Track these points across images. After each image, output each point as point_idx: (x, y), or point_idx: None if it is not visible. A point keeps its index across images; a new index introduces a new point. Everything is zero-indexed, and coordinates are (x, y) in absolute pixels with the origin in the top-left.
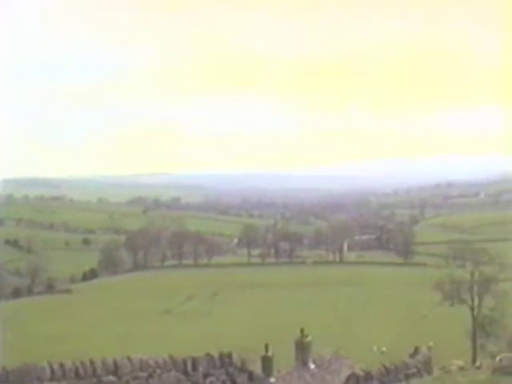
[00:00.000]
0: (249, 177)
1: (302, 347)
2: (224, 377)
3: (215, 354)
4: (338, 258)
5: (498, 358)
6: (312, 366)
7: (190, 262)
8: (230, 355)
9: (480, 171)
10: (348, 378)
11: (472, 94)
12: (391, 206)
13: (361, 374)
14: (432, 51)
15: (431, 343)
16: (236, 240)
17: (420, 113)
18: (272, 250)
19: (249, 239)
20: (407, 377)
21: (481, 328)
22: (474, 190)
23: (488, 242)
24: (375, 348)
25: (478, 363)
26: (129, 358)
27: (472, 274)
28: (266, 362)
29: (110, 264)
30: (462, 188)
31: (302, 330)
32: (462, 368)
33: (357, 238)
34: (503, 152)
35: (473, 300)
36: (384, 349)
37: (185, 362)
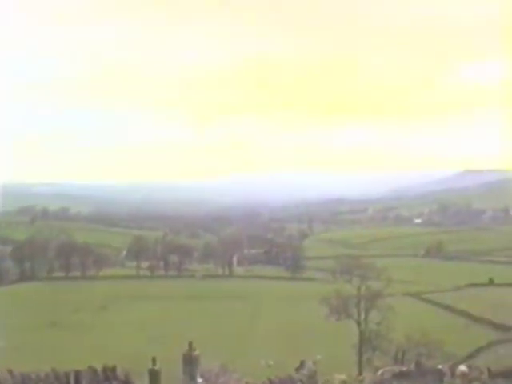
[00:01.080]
0: (138, 188)
1: (190, 361)
2: None
3: (99, 368)
4: (227, 272)
5: (379, 372)
6: (200, 380)
7: (78, 273)
8: (113, 369)
9: (369, 187)
10: None
11: (357, 108)
12: (281, 220)
13: None
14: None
15: (319, 357)
16: (125, 252)
17: (311, 126)
18: (161, 263)
19: (138, 251)
20: None
21: (367, 342)
22: (362, 205)
23: (375, 258)
24: (263, 362)
25: (361, 377)
26: (10, 372)
27: (359, 288)
28: (153, 376)
29: None
30: (350, 204)
31: (189, 344)
32: (344, 382)
33: (246, 251)
34: (392, 168)
35: (359, 314)
36: (271, 362)
37: (67, 376)
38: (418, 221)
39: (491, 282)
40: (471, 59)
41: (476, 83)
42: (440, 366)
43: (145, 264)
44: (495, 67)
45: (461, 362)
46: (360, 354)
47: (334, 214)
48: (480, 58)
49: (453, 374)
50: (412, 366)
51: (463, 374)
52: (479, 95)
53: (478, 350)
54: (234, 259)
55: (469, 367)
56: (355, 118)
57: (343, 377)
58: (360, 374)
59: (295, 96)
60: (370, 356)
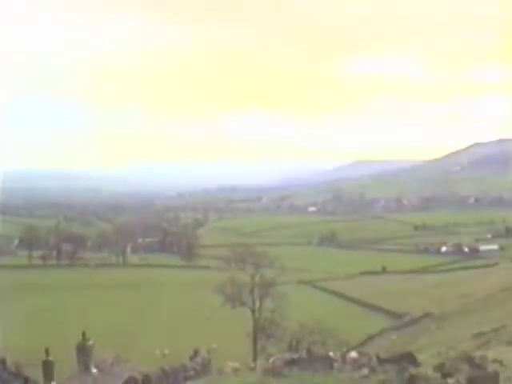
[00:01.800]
0: (30, 175)
1: (84, 351)
2: None
3: None
4: (121, 261)
5: (271, 359)
6: (94, 370)
7: None
8: (3, 360)
9: (263, 176)
10: (126, 382)
11: (254, 99)
12: (175, 209)
13: (139, 377)
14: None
15: (214, 345)
16: (16, 241)
17: (206, 116)
18: (54, 252)
19: (30, 240)
20: (186, 379)
21: (262, 330)
22: (256, 194)
23: (269, 246)
24: (158, 351)
25: (253, 365)
26: None
27: (253, 277)
28: (47, 367)
29: None
30: (245, 192)
31: (83, 334)
32: (236, 369)
33: (140, 240)
34: (286, 157)
35: (254, 303)
36: (167, 351)
37: None
38: (312, 209)
39: (384, 270)
40: (365, 54)
41: (367, 77)
42: (331, 353)
43: (37, 253)
44: (387, 61)
45: (354, 349)
46: (254, 342)
47: (228, 203)
48: (372, 52)
49: (344, 361)
50: (303, 353)
51: (353, 361)
52: (370, 89)
53: (371, 337)
54: (128, 248)
55: (359, 354)
56: (252, 108)
57: (236, 364)
58: (254, 361)
59: (193, 87)
60: (265, 344)
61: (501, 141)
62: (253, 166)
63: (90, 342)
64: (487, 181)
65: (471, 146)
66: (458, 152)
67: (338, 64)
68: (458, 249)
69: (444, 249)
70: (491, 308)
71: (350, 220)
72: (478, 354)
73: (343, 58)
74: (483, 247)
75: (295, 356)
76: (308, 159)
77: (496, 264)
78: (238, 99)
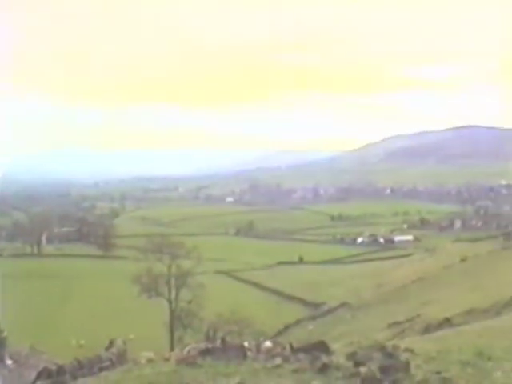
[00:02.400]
0: None
1: None
2: None
3: None
4: (36, 251)
5: (186, 349)
6: (9, 362)
7: None
8: None
9: (181, 166)
10: (39, 373)
11: (168, 88)
12: (92, 199)
13: (53, 368)
14: None
15: (131, 336)
16: None
17: (114, 107)
18: None
19: None
20: (101, 369)
21: (178, 320)
22: (173, 184)
23: (185, 236)
24: (74, 341)
25: (167, 355)
26: None
27: (169, 267)
28: None
29: None
30: (162, 182)
31: None
32: (150, 360)
33: (56, 230)
34: (204, 147)
35: (170, 293)
36: (83, 342)
37: None
38: (229, 200)
39: (300, 260)
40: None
41: (288, 69)
42: (245, 343)
43: None
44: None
45: (268, 339)
46: (171, 332)
47: (145, 192)
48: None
49: (258, 350)
50: (218, 343)
51: (267, 350)
52: (290, 81)
53: (288, 327)
54: (44, 238)
55: (273, 343)
56: (168, 97)
57: (150, 355)
58: (171, 352)
59: (104, 78)
60: (182, 334)
61: (419, 133)
62: (169, 156)
63: (5, 334)
64: (403, 172)
65: (389, 138)
66: (376, 144)
67: (263, 56)
68: (373, 239)
69: (360, 239)
70: (406, 298)
71: (267, 210)
72: (390, 343)
73: (268, 50)
74: (398, 238)
75: (209, 346)
76: (226, 149)
77: (410, 255)
78: (148, 89)
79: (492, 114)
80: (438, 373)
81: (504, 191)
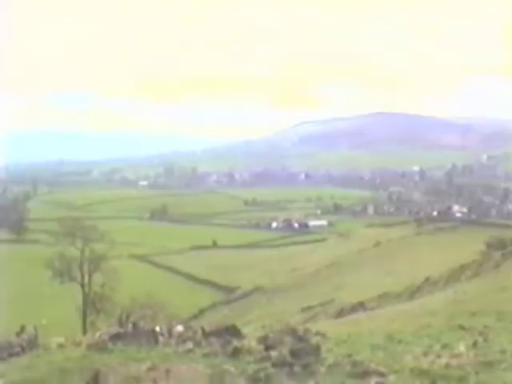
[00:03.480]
0: None
1: None
2: None
3: None
4: None
5: (97, 334)
6: None
7: None
8: None
9: (94, 149)
10: None
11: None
12: (3, 182)
13: None
14: None
15: (44, 321)
16: None
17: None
18: None
19: None
20: (11, 355)
21: (91, 305)
22: (87, 167)
23: (99, 220)
24: None
25: (78, 340)
26: None
27: (82, 251)
28: None
29: None
30: (75, 165)
31: None
32: (61, 345)
33: None
34: (119, 129)
35: (83, 277)
36: None
37: None
38: (143, 183)
39: (215, 245)
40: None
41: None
42: (157, 328)
43: None
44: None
45: (183, 323)
46: (84, 317)
47: (58, 175)
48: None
49: (170, 335)
50: (129, 328)
51: (179, 334)
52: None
53: (202, 311)
54: None
55: (185, 327)
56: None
57: (61, 340)
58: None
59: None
60: (95, 319)
61: (333, 119)
62: (83, 139)
63: None
64: (317, 158)
65: (302, 124)
66: (289, 129)
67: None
68: (288, 224)
69: (275, 224)
70: (320, 282)
71: (181, 194)
72: (302, 327)
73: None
74: (313, 223)
75: (120, 330)
76: (141, 133)
77: (324, 239)
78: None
79: (404, 100)
80: (349, 356)
81: (416, 177)
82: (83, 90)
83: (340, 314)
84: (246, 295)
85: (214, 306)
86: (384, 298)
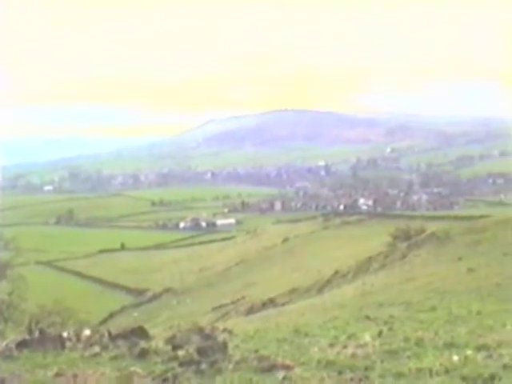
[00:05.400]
0: None
1: None
2: None
3: None
4: None
5: (4, 343)
6: None
7: None
8: None
9: None
10: None
11: None
12: None
13: None
14: None
15: None
16: None
17: None
18: None
19: None
20: None
21: None
22: None
23: (3, 227)
24: None
25: None
26: None
27: None
28: None
29: None
30: None
31: None
32: None
33: None
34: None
35: None
36: None
37: None
38: (48, 188)
39: (123, 247)
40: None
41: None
42: (65, 333)
43: None
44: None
45: (92, 328)
46: None
47: None
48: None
49: (78, 340)
50: (36, 334)
51: (86, 338)
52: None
53: (112, 315)
54: None
55: (92, 331)
56: None
57: None
58: None
59: None
60: (3, 328)
61: (236, 117)
62: None
63: None
64: (223, 156)
65: (206, 123)
66: (193, 129)
67: None
68: (196, 224)
69: (182, 224)
70: (230, 280)
71: (87, 198)
72: (210, 325)
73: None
74: (220, 221)
75: (26, 337)
76: (43, 137)
77: (233, 237)
78: None
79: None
80: (256, 351)
81: (322, 172)
82: None
83: (251, 311)
84: (155, 297)
85: (123, 309)
86: (294, 293)
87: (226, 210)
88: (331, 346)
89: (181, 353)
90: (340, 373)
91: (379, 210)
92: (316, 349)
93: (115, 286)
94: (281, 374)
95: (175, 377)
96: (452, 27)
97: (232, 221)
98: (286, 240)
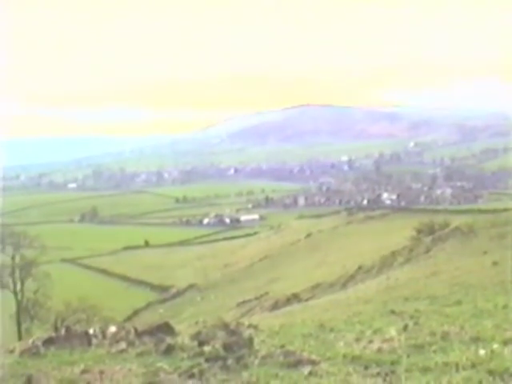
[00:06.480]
0: None
1: None
2: None
3: None
4: None
5: (31, 340)
6: None
7: None
8: None
9: (21, 154)
10: None
11: None
12: None
13: None
14: None
15: None
16: None
17: None
18: None
19: None
20: None
21: (25, 312)
22: (14, 172)
23: (28, 225)
24: None
25: (11, 347)
26: None
27: (13, 258)
28: None
29: None
30: (1, 171)
31: None
32: None
33: None
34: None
35: (15, 284)
36: None
37: None
38: (72, 186)
39: (147, 244)
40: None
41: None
42: (90, 330)
43: None
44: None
45: (113, 324)
46: (18, 324)
47: None
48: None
49: (104, 336)
50: (62, 332)
51: (112, 335)
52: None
53: (137, 312)
54: None
55: (118, 328)
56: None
57: None
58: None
59: None
60: (29, 325)
61: (258, 113)
62: (8, 144)
63: None
64: (246, 152)
65: (229, 119)
66: (216, 125)
67: None
68: (219, 220)
69: (206, 220)
70: (254, 276)
71: (110, 195)
72: (235, 321)
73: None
74: (244, 217)
75: (53, 335)
76: (67, 136)
77: (256, 233)
78: None
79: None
80: (282, 346)
81: (345, 167)
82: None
83: (275, 306)
84: (180, 293)
85: (148, 306)
86: (318, 289)
87: (249, 206)
88: (357, 340)
89: (207, 348)
90: (366, 367)
91: (403, 204)
92: (341, 344)
93: (140, 282)
94: (307, 369)
95: (201, 372)
96: (470, 24)
97: (255, 216)
98: (309, 235)
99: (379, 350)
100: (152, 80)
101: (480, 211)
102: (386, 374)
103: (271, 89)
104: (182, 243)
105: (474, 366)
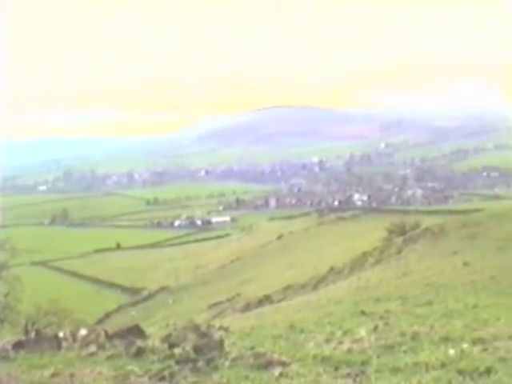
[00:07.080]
0: None
1: None
2: None
3: None
4: None
5: (1, 344)
6: None
7: None
8: None
9: None
10: None
11: None
12: None
13: None
14: None
15: None
16: None
17: None
18: None
19: None
20: None
21: None
22: None
23: None
24: None
25: None
26: None
27: None
28: None
29: None
30: None
31: None
32: None
33: None
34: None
35: None
36: None
37: None
38: (42, 188)
39: (118, 247)
40: None
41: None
42: (61, 333)
43: None
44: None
45: (88, 327)
46: None
47: None
48: None
49: (74, 339)
50: (32, 335)
51: (83, 338)
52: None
53: (109, 315)
54: None
55: (88, 330)
56: None
57: None
58: None
59: None
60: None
61: (230, 115)
62: None
63: None
64: (217, 154)
65: (200, 121)
66: (187, 127)
67: None
68: (191, 222)
69: (177, 222)
70: (225, 278)
71: (81, 198)
72: (206, 323)
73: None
74: (215, 219)
75: (22, 338)
76: (37, 137)
77: (228, 235)
78: None
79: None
80: (252, 348)
81: (316, 169)
82: None
83: (246, 308)
84: (151, 296)
85: (120, 308)
86: (289, 290)
87: (220, 208)
88: (327, 341)
89: (177, 351)
90: (336, 368)
91: (374, 205)
92: (312, 345)
93: (111, 285)
94: (277, 371)
95: (172, 375)
96: (446, 26)
97: (227, 218)
98: (280, 237)
99: (349, 351)
100: (125, 82)
101: (450, 212)
102: (356, 375)
103: (245, 91)
104: (154, 245)
105: (443, 365)
